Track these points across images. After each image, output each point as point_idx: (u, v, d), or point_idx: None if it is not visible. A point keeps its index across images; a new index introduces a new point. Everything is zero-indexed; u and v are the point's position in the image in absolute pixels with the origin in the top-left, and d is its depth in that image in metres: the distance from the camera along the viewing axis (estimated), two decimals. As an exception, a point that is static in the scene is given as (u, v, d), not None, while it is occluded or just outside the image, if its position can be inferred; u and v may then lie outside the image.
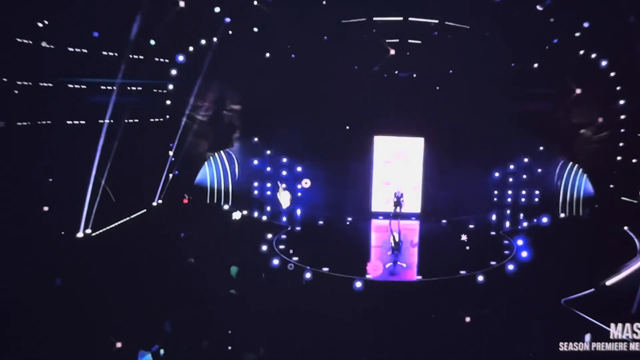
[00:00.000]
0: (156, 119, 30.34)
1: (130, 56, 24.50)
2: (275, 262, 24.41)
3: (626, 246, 25.23)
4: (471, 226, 32.13)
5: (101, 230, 24.40)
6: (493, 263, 25.21)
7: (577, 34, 28.42)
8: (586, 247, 24.13)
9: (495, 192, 34.07)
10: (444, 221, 33.83)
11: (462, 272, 23.76)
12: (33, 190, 21.48)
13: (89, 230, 23.58)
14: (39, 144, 21.64)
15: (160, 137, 30.18)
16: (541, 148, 33.52)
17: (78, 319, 16.60)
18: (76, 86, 24.29)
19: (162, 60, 28.99)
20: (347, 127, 33.95)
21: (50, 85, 22.73)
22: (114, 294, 18.40)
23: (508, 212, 33.78)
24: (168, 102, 30.26)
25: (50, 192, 22.55)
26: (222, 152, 33.76)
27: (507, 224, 33.01)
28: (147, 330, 16.86)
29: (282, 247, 27.55)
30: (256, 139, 34.38)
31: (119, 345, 15.63)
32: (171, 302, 18.76)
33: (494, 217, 33.46)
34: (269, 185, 34.38)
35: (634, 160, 29.91)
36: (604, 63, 28.96)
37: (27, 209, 20.87)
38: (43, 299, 17.46)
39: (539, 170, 33.80)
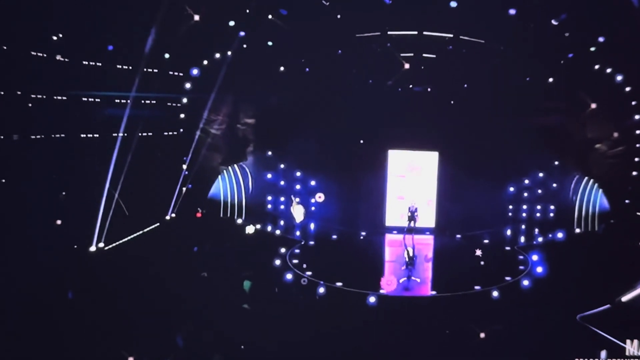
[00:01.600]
0: (170, 133, 30.40)
1: (145, 70, 24.55)
2: (289, 276, 24.31)
3: (642, 262, 25.04)
4: (486, 241, 31.96)
5: (114, 244, 24.39)
6: (508, 278, 25.03)
7: (592, 49, 28.32)
8: (601, 263, 23.96)
9: (510, 206, 33.92)
10: (458, 236, 33.65)
11: (477, 287, 23.59)
12: (46, 203, 21.50)
13: (101, 244, 23.57)
14: (52, 157, 21.68)
15: (174, 150, 30.24)
16: (556, 163, 33.37)
17: (90, 333, 16.56)
18: (90, 99, 24.37)
19: (176, 73, 29.05)
20: (361, 141, 33.88)
21: (65, 98, 22.79)
22: (126, 308, 18.37)
23: (523, 227, 33.62)
24: (182, 115, 30.32)
25: (64, 206, 22.57)
26: (235, 165, 33.75)
27: (522, 239, 32.80)
28: (159, 345, 16.81)
29: (295, 261, 27.46)
30: (270, 153, 34.37)
31: (130, 359, 15.56)
32: (184, 317, 18.71)
33: (508, 232, 33.31)
34: (282, 199, 34.36)
35: (649, 176, 29.81)
36: (619, 78, 28.85)
37: (40, 222, 20.88)
38: (55, 312, 17.44)
39: (554, 185, 33.66)
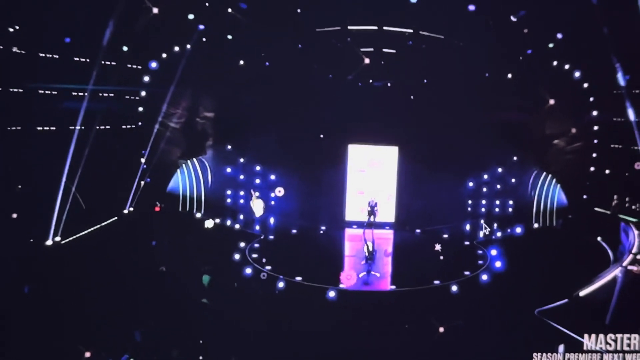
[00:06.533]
0: (128, 126, 30.09)
1: (103, 62, 24.26)
2: (248, 271, 24.23)
3: (599, 257, 25.30)
4: (445, 236, 32.05)
5: (71, 238, 24.09)
6: (467, 273, 25.17)
7: (551, 45, 28.55)
8: (559, 258, 24.17)
9: (470, 202, 34.06)
10: (418, 231, 33.76)
11: (436, 282, 23.71)
12: (1, 196, 21.20)
13: (58, 238, 23.27)
14: (8, 150, 21.36)
15: (132, 144, 29.91)
16: (515, 158, 33.58)
17: (46, 328, 16.38)
18: (47, 92, 24.02)
19: (134, 66, 28.76)
20: (321, 136, 33.87)
21: (21, 90, 22.45)
22: (84, 303, 18.17)
23: (482, 222, 33.76)
24: (140, 108, 30.03)
25: (19, 199, 22.26)
26: (194, 159, 33.51)
27: (481, 234, 32.95)
28: (116, 340, 16.67)
29: (255, 255, 27.37)
30: (229, 147, 34.19)
31: (87, 354, 15.40)
32: (142, 311, 18.56)
33: (468, 227, 33.44)
34: (242, 193, 34.18)
35: (607, 171, 30.06)
36: (577, 74, 29.11)
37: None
38: (11, 307, 17.19)
39: (513, 180, 33.83)
